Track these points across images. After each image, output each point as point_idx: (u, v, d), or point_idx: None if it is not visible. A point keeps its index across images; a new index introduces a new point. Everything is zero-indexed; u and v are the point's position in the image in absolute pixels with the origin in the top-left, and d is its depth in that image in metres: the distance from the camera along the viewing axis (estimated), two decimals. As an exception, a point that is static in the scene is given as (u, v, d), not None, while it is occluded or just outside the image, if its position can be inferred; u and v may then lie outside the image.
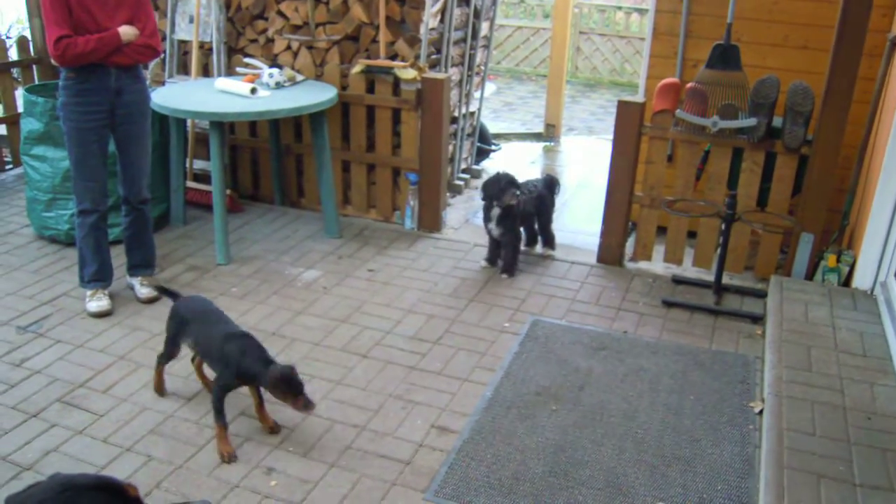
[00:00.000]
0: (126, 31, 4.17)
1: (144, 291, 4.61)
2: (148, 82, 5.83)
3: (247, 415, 3.62)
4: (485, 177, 6.54)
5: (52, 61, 4.17)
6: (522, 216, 5.14)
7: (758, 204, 4.82)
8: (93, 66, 4.16)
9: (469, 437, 3.49)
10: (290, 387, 3.26)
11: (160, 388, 3.79)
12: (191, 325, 3.55)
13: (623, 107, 4.89)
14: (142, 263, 4.70)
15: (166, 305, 4.50)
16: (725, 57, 4.63)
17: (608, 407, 3.72)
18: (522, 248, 5.29)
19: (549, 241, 5.40)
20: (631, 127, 4.88)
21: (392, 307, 4.62)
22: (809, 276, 4.79)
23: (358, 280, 4.94)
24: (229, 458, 3.34)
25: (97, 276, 4.51)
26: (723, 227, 4.71)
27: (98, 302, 4.47)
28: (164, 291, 3.84)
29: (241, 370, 3.33)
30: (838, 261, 4.74)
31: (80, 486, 1.69)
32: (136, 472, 3.26)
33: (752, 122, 4.57)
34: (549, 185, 5.37)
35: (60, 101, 4.26)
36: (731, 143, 4.76)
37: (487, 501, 3.12)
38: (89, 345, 4.19)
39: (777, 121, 4.69)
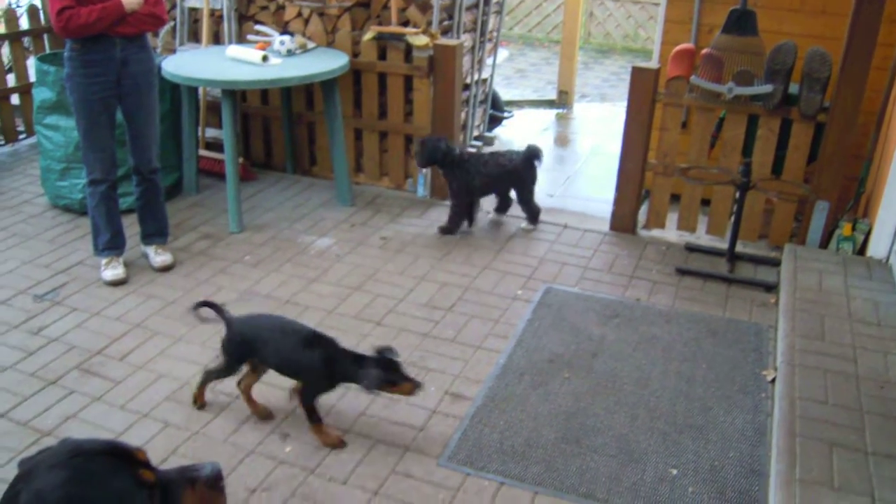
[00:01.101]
0: (129, 1, 4.14)
1: (159, 260, 4.64)
2: (158, 50, 5.83)
3: (261, 382, 3.65)
4: (497, 145, 6.55)
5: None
6: (482, 186, 5.15)
7: (772, 172, 4.79)
8: (97, 37, 4.12)
9: (482, 404, 3.51)
10: (396, 377, 3.15)
11: (201, 402, 3.51)
12: (257, 344, 3.29)
13: (637, 73, 4.85)
14: (155, 232, 4.72)
15: (180, 274, 4.56)
16: (742, 22, 4.58)
17: (621, 374, 3.74)
18: (491, 214, 5.38)
19: (532, 216, 5.29)
20: (645, 93, 4.84)
21: (405, 275, 4.64)
22: (824, 244, 4.77)
23: (371, 248, 4.95)
24: (341, 442, 3.28)
25: (111, 244, 4.53)
26: (737, 194, 4.69)
27: (113, 270, 4.50)
28: (208, 306, 3.48)
29: (335, 378, 3.23)
30: (853, 229, 4.71)
31: (90, 451, 1.71)
32: (154, 438, 3.30)
33: (767, 88, 4.53)
34: (529, 158, 5.22)
35: (66, 72, 4.24)
36: (746, 110, 4.72)
37: (500, 467, 3.14)
38: (105, 313, 4.22)
39: (793, 87, 4.65)
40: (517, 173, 5.17)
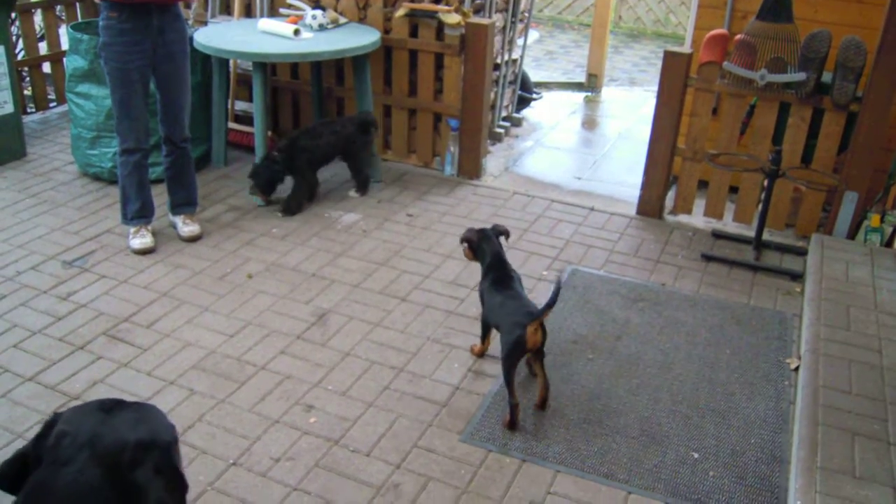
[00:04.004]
0: None
1: (187, 230, 4.67)
2: (190, 22, 5.85)
3: (286, 353, 3.69)
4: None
5: None
6: (320, 156, 5.18)
7: (802, 160, 4.76)
8: (134, 6, 4.13)
9: (505, 383, 3.53)
10: None
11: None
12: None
13: (669, 58, 4.82)
14: (184, 202, 4.75)
15: (208, 245, 4.61)
16: (777, 9, 4.53)
17: (644, 358, 3.74)
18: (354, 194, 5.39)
19: (361, 185, 5.38)
20: (676, 78, 4.81)
21: (431, 252, 4.65)
22: (852, 235, 4.74)
23: (397, 224, 4.96)
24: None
25: (140, 213, 4.57)
26: (766, 182, 4.66)
27: (141, 239, 4.54)
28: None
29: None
30: (882, 221, 4.68)
31: (122, 401, 1.99)
32: (179, 406, 3.34)
33: (801, 76, 4.49)
34: (362, 124, 5.26)
35: (102, 41, 4.24)
36: (778, 98, 4.68)
37: (522, 445, 3.17)
38: (133, 281, 4.27)
39: (827, 76, 4.61)
40: (350, 139, 5.21)
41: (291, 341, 3.79)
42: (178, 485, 1.87)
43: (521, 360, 3.31)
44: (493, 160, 6.07)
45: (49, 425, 1.84)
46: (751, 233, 4.84)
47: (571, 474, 3.04)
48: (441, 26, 5.38)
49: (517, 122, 6.89)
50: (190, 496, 2.87)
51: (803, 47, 4.48)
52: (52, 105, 6.72)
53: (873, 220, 4.68)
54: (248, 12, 5.98)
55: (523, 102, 7.19)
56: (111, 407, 1.89)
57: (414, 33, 5.50)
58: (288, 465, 3.06)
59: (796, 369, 3.67)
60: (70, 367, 3.57)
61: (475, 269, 4.44)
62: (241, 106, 6.08)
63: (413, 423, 3.29)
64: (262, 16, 5.78)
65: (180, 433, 3.16)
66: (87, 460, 1.75)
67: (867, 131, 4.51)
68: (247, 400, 3.40)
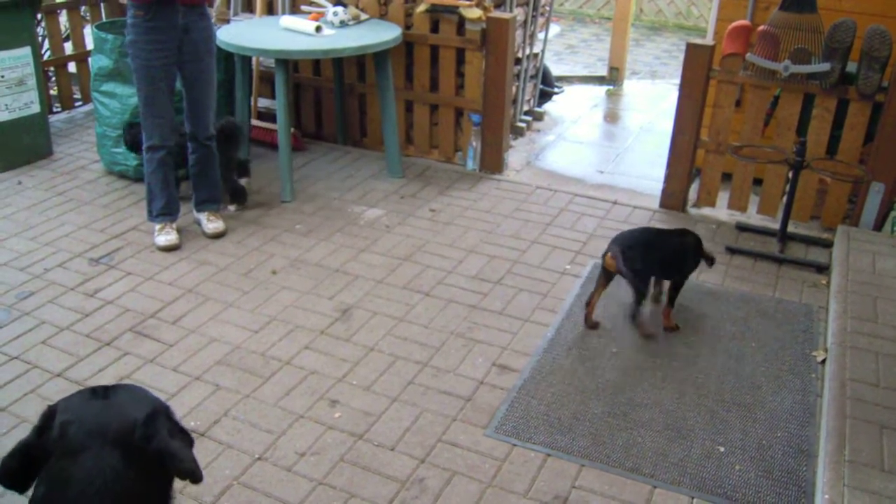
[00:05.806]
0: None
1: (211, 227, 4.70)
2: (213, 20, 5.88)
3: (311, 349, 3.71)
4: None
5: None
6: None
7: (827, 151, 4.72)
8: (161, 4, 4.17)
9: (529, 377, 3.53)
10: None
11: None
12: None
13: (692, 49, 4.79)
14: (209, 199, 4.78)
15: (232, 241, 4.63)
16: (800, -1, 4.50)
17: (669, 351, 3.73)
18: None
19: (232, 196, 5.03)
20: (699, 70, 4.78)
21: (454, 247, 4.65)
22: (878, 226, 4.70)
23: (420, 220, 4.97)
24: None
25: (165, 210, 4.60)
26: (790, 174, 4.63)
27: (166, 236, 4.58)
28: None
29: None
30: (909, 211, 4.64)
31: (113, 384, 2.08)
32: (205, 401, 3.37)
33: (825, 67, 4.45)
34: (222, 133, 4.83)
35: (128, 38, 4.28)
36: (802, 89, 4.64)
37: (547, 439, 3.16)
38: (158, 277, 4.30)
39: (851, 66, 4.56)
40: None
41: (316, 336, 3.81)
42: (190, 442, 1.94)
43: (606, 277, 3.85)
44: (515, 154, 6.06)
45: (48, 416, 1.86)
46: (775, 225, 4.80)
47: (596, 468, 3.04)
48: (462, 21, 5.37)
49: (539, 117, 6.87)
50: (215, 490, 2.91)
51: (827, 37, 4.43)
52: (77, 104, 6.78)
53: (900, 211, 4.64)
54: (271, 10, 6.01)
55: (545, 96, 7.16)
56: (104, 392, 1.92)
57: (435, 29, 5.50)
58: (313, 459, 3.07)
59: (823, 362, 3.64)
60: (97, 363, 3.60)
61: (498, 264, 4.47)
62: (263, 103, 6.11)
63: (437, 418, 3.29)
64: (283, 13, 5.80)
65: (206, 428, 3.22)
66: (101, 445, 1.78)
67: (893, 122, 4.46)
68: (272, 395, 3.42)
